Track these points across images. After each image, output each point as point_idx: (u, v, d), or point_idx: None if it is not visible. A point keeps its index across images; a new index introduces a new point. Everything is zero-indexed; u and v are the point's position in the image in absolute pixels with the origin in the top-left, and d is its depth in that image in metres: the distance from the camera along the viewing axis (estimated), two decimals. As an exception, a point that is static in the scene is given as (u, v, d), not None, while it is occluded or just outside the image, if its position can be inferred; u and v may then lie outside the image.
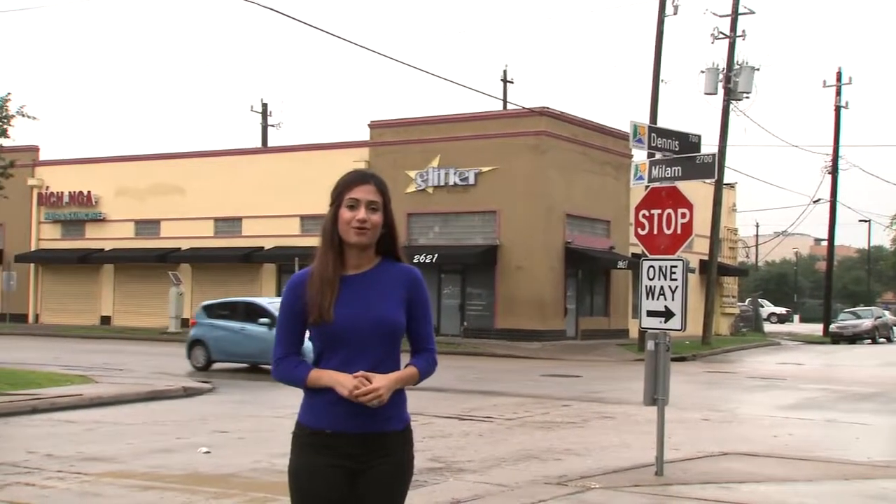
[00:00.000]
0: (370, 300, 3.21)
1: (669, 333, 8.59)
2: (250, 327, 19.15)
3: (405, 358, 3.26)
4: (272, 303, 19.57)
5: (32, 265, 39.29)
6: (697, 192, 23.44)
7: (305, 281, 3.24)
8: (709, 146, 19.68)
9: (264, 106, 47.86)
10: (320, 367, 3.22)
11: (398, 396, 3.26)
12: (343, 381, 3.12)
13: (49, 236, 39.44)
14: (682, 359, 25.35)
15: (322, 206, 3.34)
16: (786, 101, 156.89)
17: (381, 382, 3.11)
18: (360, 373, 3.11)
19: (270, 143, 45.64)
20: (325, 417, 3.19)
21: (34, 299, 39.40)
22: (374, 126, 33.55)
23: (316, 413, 3.22)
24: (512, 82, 45.29)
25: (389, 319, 3.20)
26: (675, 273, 8.54)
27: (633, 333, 31.40)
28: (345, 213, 3.22)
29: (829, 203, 44.81)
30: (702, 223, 27.05)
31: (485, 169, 31.00)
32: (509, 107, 38.26)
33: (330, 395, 3.17)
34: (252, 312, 19.62)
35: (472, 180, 31.22)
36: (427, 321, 3.33)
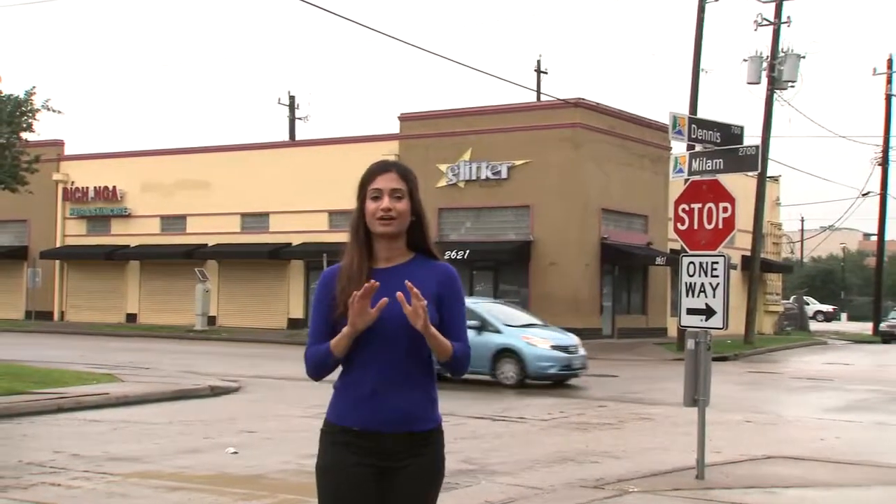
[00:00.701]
0: (400, 295, 3.21)
1: (710, 332, 8.53)
2: None
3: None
4: (476, 303, 17.91)
5: (58, 262, 39.85)
6: (740, 185, 23.19)
7: (336, 276, 3.27)
8: (752, 138, 19.48)
9: (291, 98, 48.15)
10: (349, 361, 3.23)
11: (428, 395, 3.27)
12: (346, 329, 3.12)
13: (74, 232, 39.98)
14: (724, 358, 25.15)
15: (351, 201, 3.36)
16: (833, 90, 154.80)
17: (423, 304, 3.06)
18: (352, 299, 3.07)
19: (298, 137, 45.92)
20: (353, 415, 3.21)
21: (59, 297, 39.98)
22: (403, 119, 33.61)
23: (344, 410, 3.24)
24: (546, 73, 45.14)
25: None
26: (716, 269, 8.48)
27: (672, 332, 31.18)
28: (370, 205, 3.23)
29: (878, 196, 44.17)
30: (744, 218, 26.68)
31: (518, 162, 30.94)
32: (543, 98, 38.14)
33: (359, 391, 3.20)
34: None
35: (504, 174, 31.17)
36: (461, 318, 3.32)
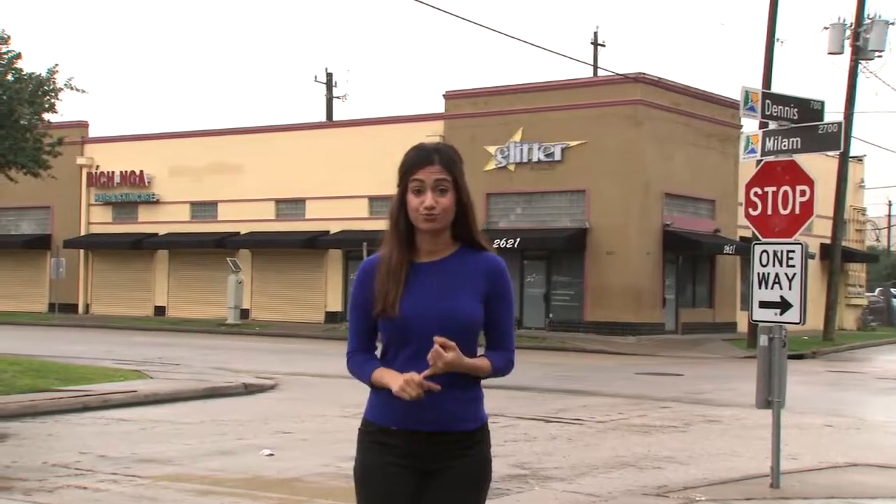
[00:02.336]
0: (442, 292, 3.22)
1: (786, 327, 8.42)
2: None
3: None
4: None
5: (82, 251, 40.58)
6: (819, 166, 22.83)
7: (375, 268, 3.28)
8: (833, 114, 19.14)
9: (329, 76, 48.40)
10: (386, 362, 3.26)
11: (472, 393, 3.27)
12: (391, 383, 3.17)
13: (100, 220, 40.68)
14: (800, 356, 24.85)
15: (393, 186, 3.36)
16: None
17: (449, 357, 3.11)
18: (410, 375, 3.12)
19: (336, 117, 46.17)
20: (391, 413, 3.24)
21: (84, 288, 40.73)
22: (449, 96, 33.60)
23: (382, 408, 3.26)
24: (604, 45, 44.82)
25: (462, 314, 3.20)
26: (792, 258, 8.37)
27: (742, 327, 30.85)
28: (412, 200, 3.23)
29: (973, 178, 43.20)
30: (823, 202, 26.29)
31: (573, 143, 30.76)
32: (601, 73, 37.89)
33: None
34: None
35: (558, 156, 31.03)
36: (508, 319, 3.32)
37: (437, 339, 3.09)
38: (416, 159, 3.25)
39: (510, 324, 3.34)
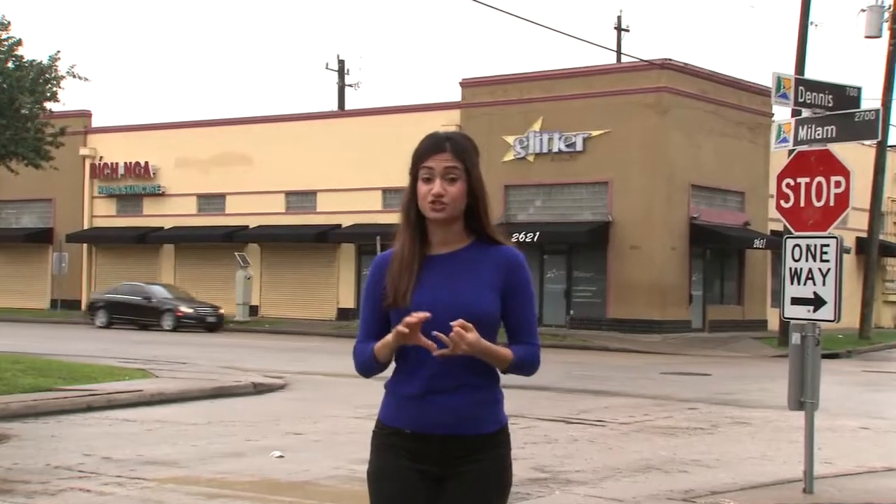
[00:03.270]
0: (455, 284, 3.23)
1: (819, 325, 8.37)
2: None
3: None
4: None
5: (85, 245, 40.82)
6: (855, 156, 22.67)
7: (389, 262, 3.29)
8: (870, 101, 19.02)
9: (341, 63, 48.45)
10: (402, 358, 3.27)
11: (490, 394, 3.26)
12: (390, 338, 3.17)
13: (103, 213, 40.89)
14: (835, 355, 24.76)
15: (407, 178, 3.36)
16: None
17: (471, 338, 3.09)
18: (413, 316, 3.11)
19: (348, 106, 46.21)
20: (405, 415, 3.24)
21: (87, 284, 40.94)
22: (466, 84, 33.59)
23: (396, 410, 3.27)
24: (627, 30, 44.65)
25: (476, 308, 3.20)
26: (826, 253, 8.32)
27: (773, 325, 30.72)
28: (421, 187, 3.25)
29: None
30: (859, 194, 26.09)
31: (595, 133, 30.70)
32: (624, 59, 37.76)
33: (411, 390, 3.22)
34: None
35: (579, 146, 30.97)
36: (529, 310, 3.31)
37: (456, 322, 3.08)
38: (427, 147, 3.27)
39: (532, 317, 3.32)
